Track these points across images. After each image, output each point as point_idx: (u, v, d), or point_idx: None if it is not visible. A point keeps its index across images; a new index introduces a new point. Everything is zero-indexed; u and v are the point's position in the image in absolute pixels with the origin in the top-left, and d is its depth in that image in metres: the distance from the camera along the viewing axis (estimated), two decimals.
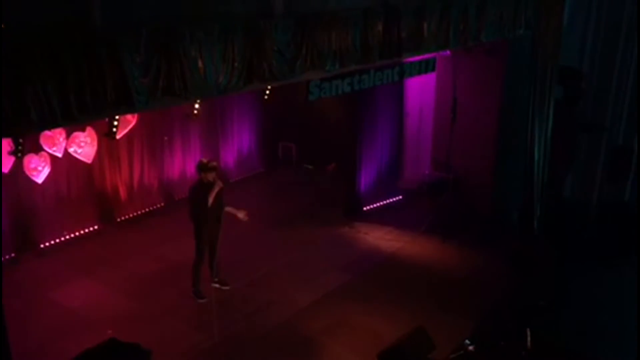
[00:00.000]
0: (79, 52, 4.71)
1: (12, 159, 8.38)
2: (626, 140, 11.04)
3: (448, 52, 9.62)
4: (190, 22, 5.42)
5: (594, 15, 10.89)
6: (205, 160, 8.37)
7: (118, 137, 9.84)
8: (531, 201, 10.61)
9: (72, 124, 5.11)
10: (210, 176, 8.16)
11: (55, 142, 9.27)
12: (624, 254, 10.06)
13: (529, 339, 7.18)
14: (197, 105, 11.00)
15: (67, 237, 9.97)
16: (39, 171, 9.23)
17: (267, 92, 12.07)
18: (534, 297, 8.59)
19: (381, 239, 10.56)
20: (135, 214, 10.90)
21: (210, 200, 8.04)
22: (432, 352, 7.21)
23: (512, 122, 10.51)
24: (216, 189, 8.09)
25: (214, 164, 8.36)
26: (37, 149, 9.09)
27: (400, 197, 11.80)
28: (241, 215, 8.45)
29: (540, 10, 9.51)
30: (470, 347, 7.26)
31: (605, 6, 10.75)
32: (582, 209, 11.00)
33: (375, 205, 11.50)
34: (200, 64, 5.52)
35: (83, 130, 9.61)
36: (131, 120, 10.19)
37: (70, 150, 9.57)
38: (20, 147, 7.93)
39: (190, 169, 11.71)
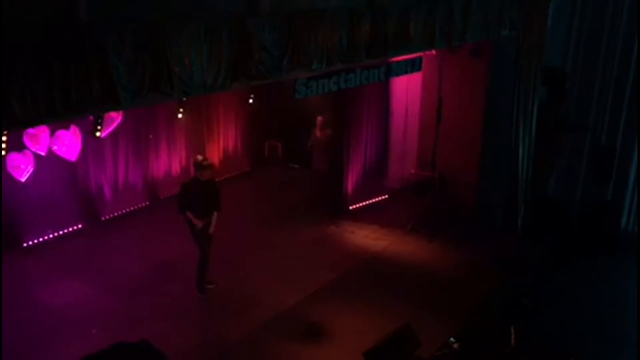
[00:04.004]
0: (64, 48, 4.67)
1: None
2: (609, 140, 11.16)
3: (434, 51, 9.67)
4: (176, 19, 5.41)
5: (578, 16, 10.99)
6: (200, 158, 8.40)
7: (102, 135, 9.77)
8: (515, 200, 10.71)
9: (56, 120, 5.06)
10: (206, 174, 8.19)
11: (39, 140, 9.17)
12: (606, 253, 10.18)
13: (513, 336, 7.23)
14: (181, 110, 11.00)
15: (51, 235, 9.90)
16: (22, 169, 9.15)
17: (251, 97, 12.14)
18: (518, 295, 8.67)
19: (367, 237, 10.60)
20: (120, 212, 10.84)
21: (203, 198, 8.11)
22: (417, 349, 7.24)
23: (497, 122, 10.59)
24: (210, 187, 8.15)
25: (209, 162, 8.39)
26: (21, 147, 9.01)
27: (386, 196, 11.84)
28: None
29: (525, 11, 9.59)
30: (455, 345, 7.30)
31: (589, 8, 10.86)
32: (565, 208, 11.10)
33: (361, 204, 11.53)
34: (186, 61, 5.50)
35: (67, 128, 9.53)
36: (116, 118, 10.13)
37: (54, 148, 9.49)
38: (2, 145, 7.83)
39: (176, 167, 11.67)
